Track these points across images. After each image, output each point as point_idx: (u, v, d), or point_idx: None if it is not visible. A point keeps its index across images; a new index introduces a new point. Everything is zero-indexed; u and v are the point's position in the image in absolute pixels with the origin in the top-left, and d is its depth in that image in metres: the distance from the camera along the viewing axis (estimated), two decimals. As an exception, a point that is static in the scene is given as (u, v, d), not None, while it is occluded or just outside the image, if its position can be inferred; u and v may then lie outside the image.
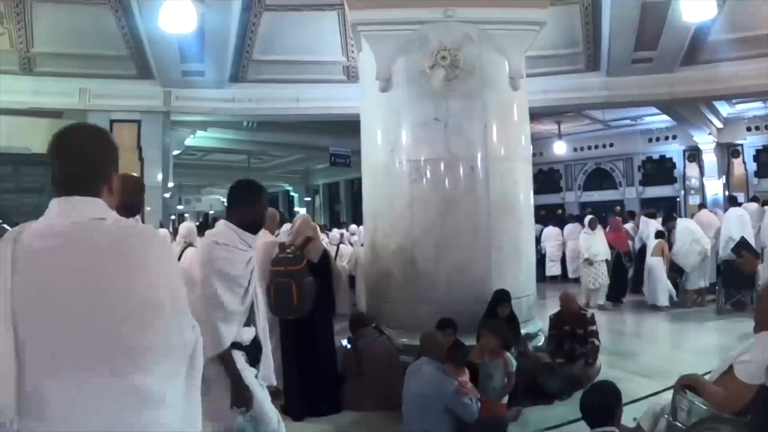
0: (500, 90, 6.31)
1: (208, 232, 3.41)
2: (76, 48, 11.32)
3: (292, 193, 28.66)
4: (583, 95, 13.35)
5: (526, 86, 6.81)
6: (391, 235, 6.01)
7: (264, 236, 5.59)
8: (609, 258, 10.78)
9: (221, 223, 3.34)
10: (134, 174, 3.94)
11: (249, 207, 3.36)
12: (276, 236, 6.12)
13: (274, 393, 5.60)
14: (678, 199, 19.55)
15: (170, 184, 14.23)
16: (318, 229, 5.82)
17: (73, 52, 11.43)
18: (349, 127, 17.68)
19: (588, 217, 11.29)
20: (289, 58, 12.12)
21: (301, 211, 27.81)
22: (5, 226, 13.47)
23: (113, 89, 12.48)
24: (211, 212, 33.32)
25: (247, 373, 3.21)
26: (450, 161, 5.91)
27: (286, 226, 7.91)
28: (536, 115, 16.95)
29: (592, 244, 10.72)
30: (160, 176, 12.87)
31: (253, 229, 3.36)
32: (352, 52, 11.84)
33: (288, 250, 5.08)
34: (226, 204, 3.46)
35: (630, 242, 12.13)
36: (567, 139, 19.48)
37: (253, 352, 3.32)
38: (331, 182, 26.79)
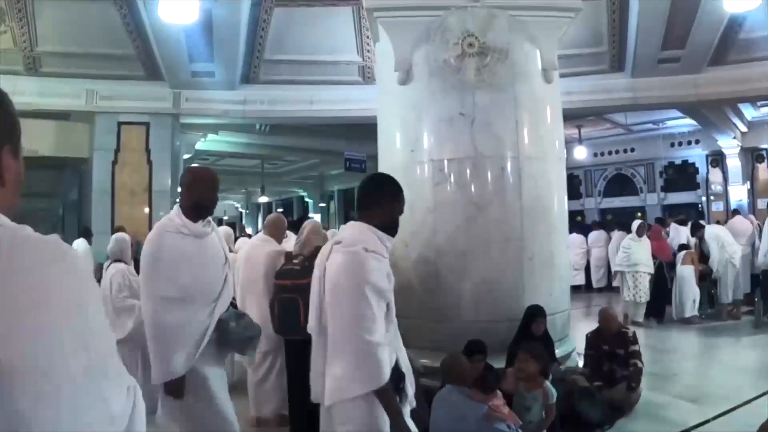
0: (532, 83, 5.59)
1: (343, 236, 2.68)
2: (81, 47, 10.75)
3: (306, 199, 27.97)
4: (607, 97, 12.77)
5: (558, 80, 6.09)
6: (412, 244, 5.28)
7: (269, 244, 4.94)
8: (652, 270, 9.58)
9: (362, 227, 2.70)
10: (205, 167, 2.95)
11: (390, 204, 2.80)
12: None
13: (280, 420, 5.00)
14: (700, 206, 18.72)
15: (179, 189, 13.59)
16: (327, 236, 5.12)
17: (79, 52, 10.87)
18: (364, 131, 17.06)
19: (636, 223, 10.00)
20: (302, 58, 11.48)
21: (315, 217, 27.18)
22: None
23: (121, 90, 11.93)
24: (225, 218, 32.81)
25: (406, 407, 2.60)
26: (477, 161, 5.19)
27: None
28: (556, 118, 16.27)
29: (635, 251, 9.50)
30: (169, 181, 12.23)
31: (393, 231, 2.81)
32: (368, 51, 11.19)
33: (295, 261, 4.40)
34: (359, 201, 2.83)
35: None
36: (587, 144, 18.68)
37: (397, 378, 2.62)
38: (347, 188, 26.08)
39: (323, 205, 27.40)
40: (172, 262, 3.03)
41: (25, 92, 11.37)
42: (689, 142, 18.51)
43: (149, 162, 12.10)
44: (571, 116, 15.39)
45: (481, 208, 5.14)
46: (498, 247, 5.16)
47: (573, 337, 6.19)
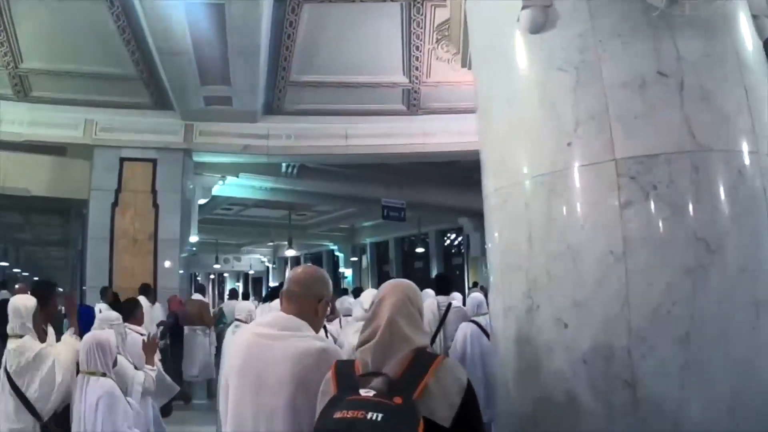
0: (745, 35, 3.01)
1: None
2: (73, 63, 8.47)
3: (336, 253, 25.18)
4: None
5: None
6: (575, 322, 2.55)
7: (296, 338, 2.21)
8: None
9: None
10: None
11: None
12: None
13: None
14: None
15: (193, 238, 11.08)
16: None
17: (71, 70, 8.59)
18: (404, 174, 14.58)
19: None
20: (335, 80, 9.08)
21: (346, 272, 24.37)
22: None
23: (124, 121, 9.64)
24: (251, 272, 30.12)
25: None
26: (698, 158, 2.53)
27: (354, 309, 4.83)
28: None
29: None
30: (178, 227, 9.73)
31: None
32: (417, 69, 8.75)
33: (365, 393, 1.69)
34: None
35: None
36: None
37: None
38: (380, 241, 23.33)
39: (355, 259, 24.56)
40: None
41: (14, 121, 9.22)
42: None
43: (155, 205, 9.66)
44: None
45: (714, 249, 2.44)
46: (745, 323, 2.47)
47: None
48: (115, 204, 9.54)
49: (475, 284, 15.94)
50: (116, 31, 7.61)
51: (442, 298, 5.51)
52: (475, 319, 5.03)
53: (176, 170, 9.84)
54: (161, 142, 9.75)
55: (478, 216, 17.81)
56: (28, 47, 8.19)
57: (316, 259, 27.54)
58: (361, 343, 1.87)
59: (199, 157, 10.35)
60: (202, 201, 11.88)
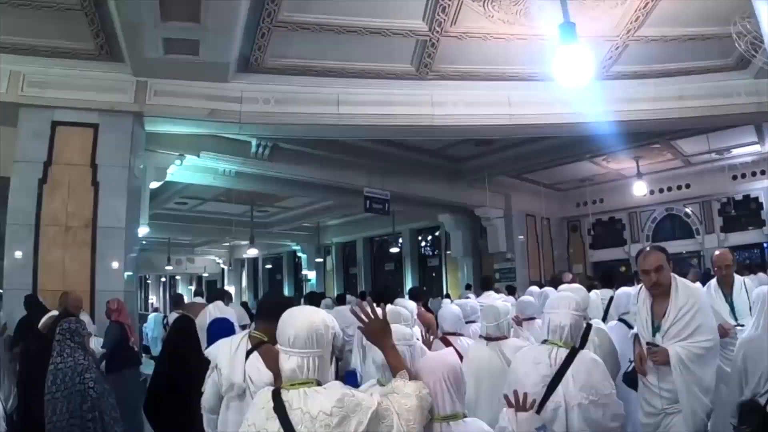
0: None
1: None
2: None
3: (299, 254, 22.74)
4: (727, 103, 8.77)
5: None
6: None
7: None
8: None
9: None
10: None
11: None
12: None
13: None
14: (766, 246, 14.52)
15: (143, 230, 8.65)
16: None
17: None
18: (387, 161, 12.46)
19: None
20: (336, 21, 6.94)
21: (310, 275, 21.98)
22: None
23: (59, 74, 7.29)
24: (205, 275, 27.33)
25: None
26: None
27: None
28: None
29: None
30: (124, 212, 7.35)
31: None
32: (443, 10, 6.69)
33: None
34: None
35: None
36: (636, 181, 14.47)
37: None
38: (346, 241, 21.15)
39: (320, 260, 22.20)
40: None
41: None
42: (753, 174, 14.39)
43: (95, 183, 7.28)
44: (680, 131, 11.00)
45: None
46: None
47: None
48: (43, 180, 7.10)
49: (468, 286, 14.11)
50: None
51: (605, 292, 5.46)
52: (624, 317, 4.69)
53: (123, 139, 7.45)
54: (105, 103, 7.36)
55: (462, 212, 15.92)
56: None
57: (275, 260, 25.06)
58: None
59: (152, 126, 7.98)
60: (155, 184, 9.48)
